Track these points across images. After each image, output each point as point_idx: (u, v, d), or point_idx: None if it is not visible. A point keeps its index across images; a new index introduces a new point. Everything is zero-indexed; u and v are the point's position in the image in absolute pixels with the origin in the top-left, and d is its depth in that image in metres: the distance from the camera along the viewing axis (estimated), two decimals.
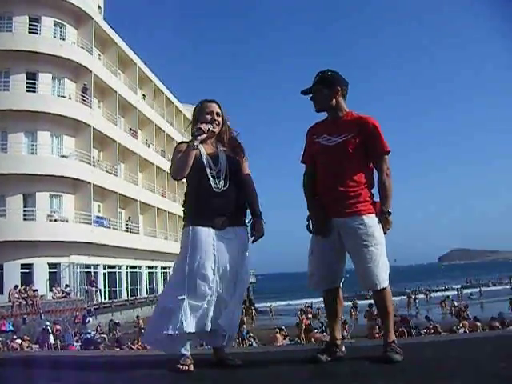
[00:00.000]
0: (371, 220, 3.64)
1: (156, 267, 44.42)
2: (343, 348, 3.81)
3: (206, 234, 3.66)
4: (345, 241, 3.68)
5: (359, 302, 38.22)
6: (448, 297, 43.99)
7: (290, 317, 35.18)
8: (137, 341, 18.76)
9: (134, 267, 41.29)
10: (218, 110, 3.95)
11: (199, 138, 3.73)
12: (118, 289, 38.28)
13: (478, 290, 55.93)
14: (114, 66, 40.47)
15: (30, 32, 33.11)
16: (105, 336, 23.11)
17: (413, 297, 45.69)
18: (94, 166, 34.92)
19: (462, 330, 17.32)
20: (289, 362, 3.81)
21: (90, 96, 35.58)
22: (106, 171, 37.22)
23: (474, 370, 3.24)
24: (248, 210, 3.94)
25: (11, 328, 24.44)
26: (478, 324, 18.51)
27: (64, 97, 34.42)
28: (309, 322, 23.85)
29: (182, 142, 3.93)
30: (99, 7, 41.54)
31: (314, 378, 3.40)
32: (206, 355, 3.94)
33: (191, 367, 3.51)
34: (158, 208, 44.28)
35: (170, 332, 3.54)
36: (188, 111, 53.99)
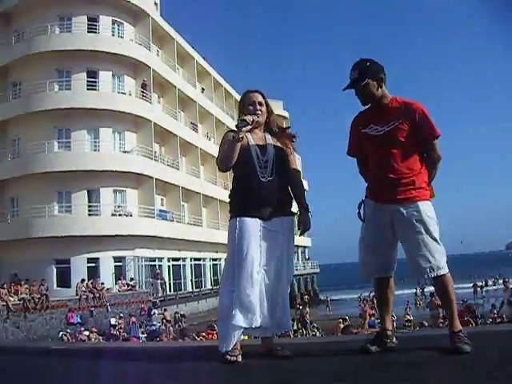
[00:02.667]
0: (425, 206, 3.56)
1: (220, 259, 44.74)
2: (394, 339, 3.72)
3: (253, 225, 3.64)
4: (397, 228, 3.61)
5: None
6: None
7: (352, 307, 34.89)
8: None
9: (198, 259, 41.81)
10: (261, 100, 3.90)
11: (244, 129, 3.69)
12: (182, 281, 38.80)
13: None
14: (173, 61, 41.00)
15: (88, 31, 34.09)
16: (171, 328, 23.45)
17: (479, 284, 44.30)
18: (155, 160, 35.48)
19: None
20: (339, 353, 3.75)
21: (149, 92, 36.18)
22: (168, 165, 37.79)
23: None
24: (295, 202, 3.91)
25: (79, 320, 25.14)
26: None
27: (124, 93, 35.16)
28: (373, 311, 23.46)
29: (230, 131, 3.87)
30: (156, 4, 42.08)
31: (361, 368, 3.33)
32: (255, 345, 3.93)
33: (239, 358, 3.51)
34: (220, 200, 44.64)
35: (224, 324, 3.61)
36: None
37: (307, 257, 62.54)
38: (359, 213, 3.79)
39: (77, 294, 26.95)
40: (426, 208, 3.55)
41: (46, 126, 32.28)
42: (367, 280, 4.14)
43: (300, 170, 3.97)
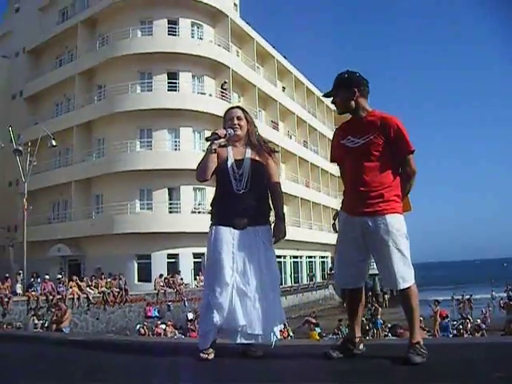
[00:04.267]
0: (393, 219, 3.60)
1: (301, 257, 44.90)
2: (361, 346, 3.80)
3: (227, 233, 3.86)
4: (367, 240, 3.68)
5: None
6: None
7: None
8: None
9: (279, 257, 42.09)
10: (239, 114, 4.10)
11: (216, 142, 3.92)
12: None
13: None
14: (253, 60, 41.45)
15: (169, 34, 35.11)
16: None
17: None
18: None
19: None
20: (307, 356, 3.88)
21: (229, 91, 36.80)
22: None
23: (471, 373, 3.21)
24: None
25: (157, 314, 25.92)
26: None
27: (204, 94, 35.85)
28: (447, 312, 22.73)
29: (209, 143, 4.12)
30: (235, 5, 42.67)
31: (310, 372, 3.50)
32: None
33: (211, 356, 3.73)
34: (301, 198, 44.70)
35: (201, 324, 3.97)
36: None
37: None
38: (334, 224, 3.92)
39: (155, 289, 27.80)
40: (394, 221, 3.59)
41: (128, 126, 33.54)
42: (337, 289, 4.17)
43: (279, 181, 4.10)
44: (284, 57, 47.40)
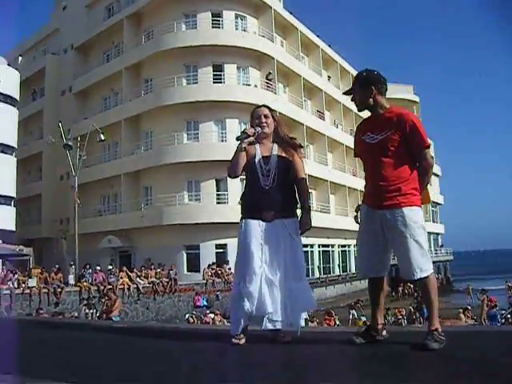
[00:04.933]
0: (409, 212, 3.73)
1: (349, 245, 44.79)
2: (384, 332, 3.97)
3: (256, 225, 4.06)
4: (386, 232, 3.82)
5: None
6: None
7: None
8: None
9: (327, 246, 42.18)
10: (266, 113, 4.29)
11: (246, 140, 4.15)
12: (310, 267, 39.16)
13: None
14: (297, 50, 41.49)
15: (213, 27, 35.41)
16: None
17: None
18: None
19: None
20: (334, 342, 4.06)
21: (274, 82, 36.89)
22: None
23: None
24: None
25: (205, 304, 26.20)
26: None
27: (249, 85, 36.12)
28: (495, 301, 22.36)
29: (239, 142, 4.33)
30: None
31: (333, 356, 3.68)
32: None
33: (242, 341, 3.96)
34: (348, 187, 44.58)
35: (232, 311, 4.16)
36: None
37: (440, 244, 60.82)
38: (356, 216, 4.08)
39: (203, 279, 28.16)
40: (411, 213, 3.72)
41: (175, 118, 34.02)
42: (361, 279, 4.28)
43: (305, 176, 4.25)
44: (329, 46, 47.24)
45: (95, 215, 38.75)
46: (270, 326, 4.00)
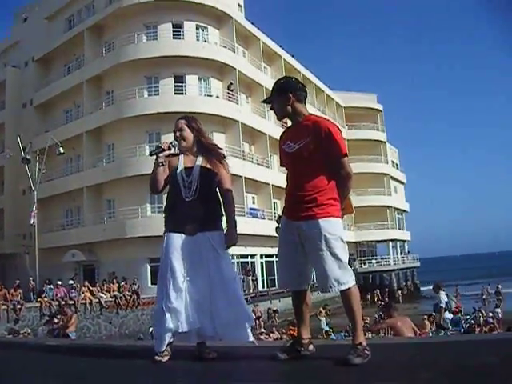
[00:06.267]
0: (326, 223, 3.64)
1: None
2: (311, 347, 3.87)
3: (178, 239, 3.97)
4: (304, 243, 3.73)
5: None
6: None
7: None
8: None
9: (271, 255, 42.02)
10: (180, 126, 4.19)
11: (161, 154, 4.07)
12: (276, 277, 39.11)
13: None
14: (259, 61, 41.56)
15: (174, 38, 35.37)
16: (261, 323, 23.77)
17: None
18: (244, 159, 36.07)
19: None
20: (259, 358, 4.00)
21: (236, 92, 36.94)
22: (258, 164, 38.39)
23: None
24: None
25: None
26: None
27: (211, 96, 36.06)
28: (459, 306, 22.39)
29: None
30: (239, 6, 42.75)
31: (254, 373, 3.66)
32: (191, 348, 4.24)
33: (165, 358, 3.87)
34: None
35: (156, 328, 4.07)
36: (340, 98, 54.05)
37: (407, 251, 61.18)
38: (277, 227, 4.02)
39: None
40: (327, 225, 3.62)
41: (137, 130, 33.80)
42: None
43: (230, 187, 4.18)
44: (292, 56, 47.41)
45: (58, 229, 38.20)
46: (196, 340, 3.99)
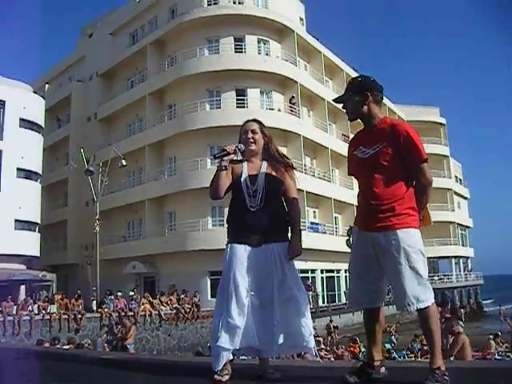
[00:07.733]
0: (405, 234, 3.38)
1: None
2: (382, 369, 3.59)
3: (242, 251, 3.74)
4: (379, 257, 3.47)
5: None
6: None
7: None
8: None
9: (332, 271, 41.46)
10: (254, 128, 4.01)
11: (225, 158, 3.81)
12: (336, 293, 38.73)
13: None
14: (321, 74, 41.49)
15: (235, 51, 35.58)
16: (320, 339, 23.37)
17: None
18: (306, 173, 35.83)
19: None
20: (319, 381, 3.74)
21: (298, 106, 36.81)
22: (319, 178, 38.10)
23: None
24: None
25: None
26: None
27: (272, 109, 36.01)
28: None
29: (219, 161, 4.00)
30: (301, 19, 42.84)
31: None
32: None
33: (225, 378, 3.60)
34: None
35: (214, 345, 3.72)
36: (402, 112, 53.25)
37: (470, 268, 59.68)
38: (348, 240, 3.75)
39: None
40: (406, 236, 3.36)
41: (198, 143, 33.94)
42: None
43: (296, 196, 3.94)
44: (353, 69, 47.04)
45: (120, 241, 38.74)
46: (256, 355, 3.82)
